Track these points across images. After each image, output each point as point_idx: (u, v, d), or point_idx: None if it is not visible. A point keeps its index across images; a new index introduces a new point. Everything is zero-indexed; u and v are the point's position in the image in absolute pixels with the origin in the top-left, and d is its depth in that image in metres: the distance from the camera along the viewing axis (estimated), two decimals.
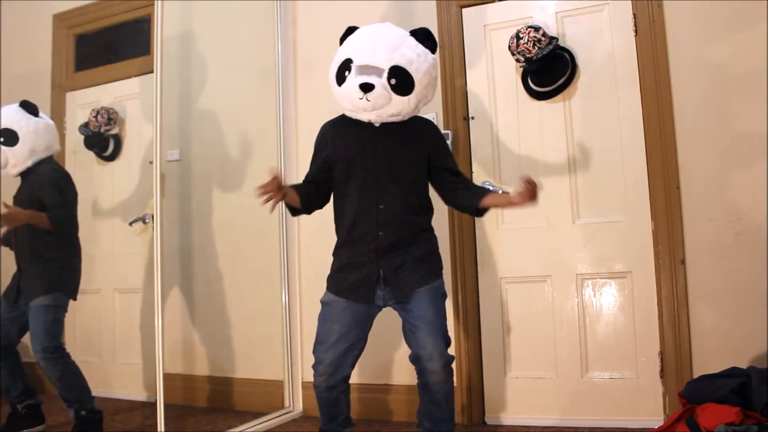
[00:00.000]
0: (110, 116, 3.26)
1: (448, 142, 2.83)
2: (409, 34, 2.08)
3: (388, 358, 2.86)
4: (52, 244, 2.69)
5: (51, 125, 2.81)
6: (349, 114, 2.10)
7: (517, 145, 2.81)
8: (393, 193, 2.06)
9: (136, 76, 3.34)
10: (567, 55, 2.69)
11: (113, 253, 3.25)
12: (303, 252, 3.19)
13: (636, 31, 2.61)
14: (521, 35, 2.61)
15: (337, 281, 2.12)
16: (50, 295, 2.64)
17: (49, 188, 2.67)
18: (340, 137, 2.12)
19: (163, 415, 2.47)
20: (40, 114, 2.80)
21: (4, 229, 2.58)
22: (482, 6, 2.89)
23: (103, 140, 3.27)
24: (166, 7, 2.67)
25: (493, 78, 2.86)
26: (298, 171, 3.22)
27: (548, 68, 2.67)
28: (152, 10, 2.69)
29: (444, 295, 2.13)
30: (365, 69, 1.99)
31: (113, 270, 3.26)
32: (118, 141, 3.30)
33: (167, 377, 2.52)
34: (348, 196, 2.10)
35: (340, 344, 2.04)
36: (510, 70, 2.82)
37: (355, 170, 2.08)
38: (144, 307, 3.23)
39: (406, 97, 2.00)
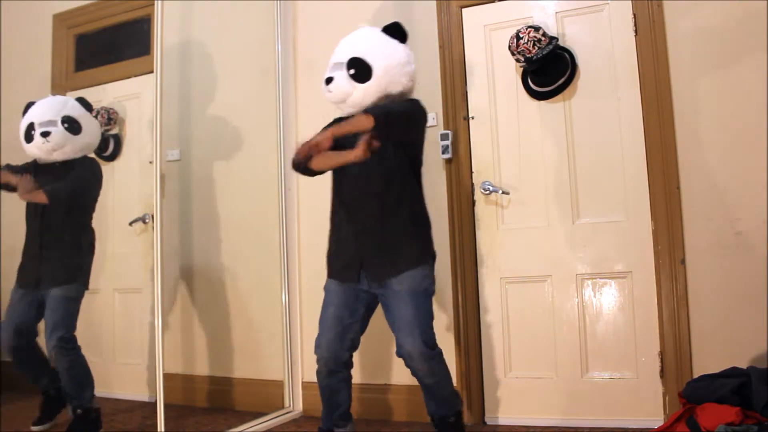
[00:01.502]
0: (110, 116, 3.26)
1: (448, 142, 2.83)
2: (380, 30, 2.27)
3: (388, 358, 2.86)
4: (76, 235, 2.80)
5: (99, 126, 3.00)
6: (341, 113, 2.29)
7: (517, 145, 2.81)
8: (371, 178, 2.17)
9: (136, 76, 3.34)
10: (567, 55, 2.69)
11: (113, 253, 3.25)
12: (303, 252, 3.19)
13: (636, 31, 2.61)
14: (521, 35, 2.61)
15: (330, 264, 2.28)
16: (71, 286, 2.71)
17: (77, 171, 2.80)
18: None
19: (163, 415, 2.47)
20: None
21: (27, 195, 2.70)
22: (482, 6, 2.89)
23: (103, 140, 3.26)
24: (166, 7, 2.66)
25: (493, 78, 2.86)
26: None
27: (548, 68, 2.67)
28: (152, 10, 2.69)
29: (427, 292, 2.18)
30: (332, 67, 2.24)
31: (113, 270, 3.26)
32: (118, 141, 3.30)
33: (167, 377, 2.52)
34: (336, 184, 2.30)
35: (334, 327, 2.17)
36: (510, 70, 2.82)
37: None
38: (144, 307, 3.23)
39: (365, 84, 2.17)
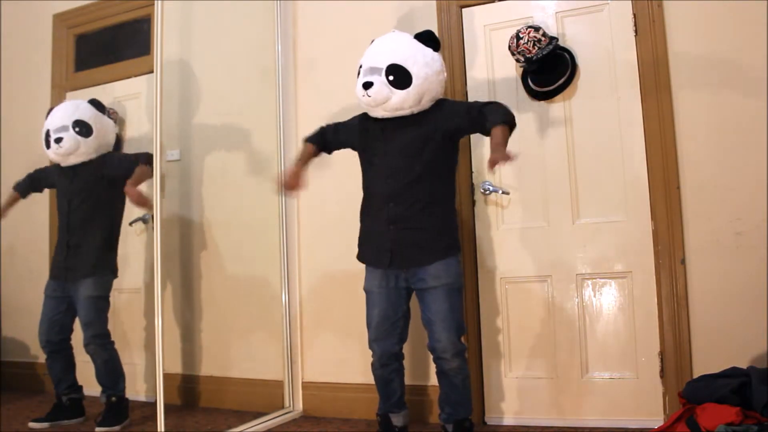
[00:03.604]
0: (110, 116, 3.26)
1: None
2: (412, 37, 2.32)
3: None
4: (104, 225, 2.90)
5: (113, 124, 3.09)
6: (368, 113, 2.36)
7: (517, 145, 2.79)
8: (404, 174, 2.27)
9: (136, 76, 3.35)
10: (567, 55, 2.68)
11: None
12: (303, 252, 3.18)
13: (636, 31, 2.61)
14: (521, 35, 2.61)
15: (361, 250, 2.41)
16: (96, 284, 2.82)
17: (114, 160, 2.95)
18: (364, 129, 2.39)
19: (163, 415, 2.47)
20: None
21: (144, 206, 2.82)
22: (482, 6, 2.89)
23: None
24: (166, 7, 2.66)
25: (493, 78, 2.86)
26: None
27: (548, 68, 2.67)
28: (152, 10, 2.69)
29: (460, 288, 2.34)
30: (369, 71, 2.27)
31: None
32: (119, 141, 3.30)
33: (167, 377, 2.52)
34: (368, 180, 2.39)
35: (382, 325, 2.32)
36: (510, 70, 2.82)
37: (373, 159, 2.35)
38: (144, 307, 3.23)
39: (404, 91, 2.23)
